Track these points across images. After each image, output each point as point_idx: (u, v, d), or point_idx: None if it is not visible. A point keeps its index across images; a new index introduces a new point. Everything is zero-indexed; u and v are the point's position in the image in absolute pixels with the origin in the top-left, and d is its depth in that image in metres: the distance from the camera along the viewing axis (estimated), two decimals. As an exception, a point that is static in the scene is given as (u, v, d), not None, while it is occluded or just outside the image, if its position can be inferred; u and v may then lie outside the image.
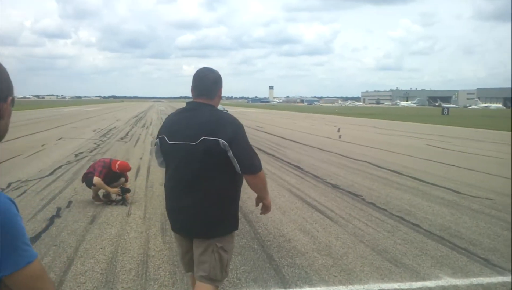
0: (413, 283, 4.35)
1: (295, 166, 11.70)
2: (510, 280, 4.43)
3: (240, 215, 3.10)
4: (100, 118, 37.48)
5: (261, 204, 3.06)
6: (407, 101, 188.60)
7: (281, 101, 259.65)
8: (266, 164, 10.85)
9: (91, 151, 14.18)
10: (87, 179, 7.35)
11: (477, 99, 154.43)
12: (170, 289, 4.16)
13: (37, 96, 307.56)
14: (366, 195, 8.17)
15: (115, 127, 26.09)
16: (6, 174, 9.51)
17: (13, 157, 12.15)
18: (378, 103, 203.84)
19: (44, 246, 5.20)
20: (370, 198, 7.89)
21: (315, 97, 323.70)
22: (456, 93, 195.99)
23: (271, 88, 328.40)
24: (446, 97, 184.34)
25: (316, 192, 8.41)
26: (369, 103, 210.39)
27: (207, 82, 2.84)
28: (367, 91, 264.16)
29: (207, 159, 2.68)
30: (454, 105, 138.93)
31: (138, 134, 21.68)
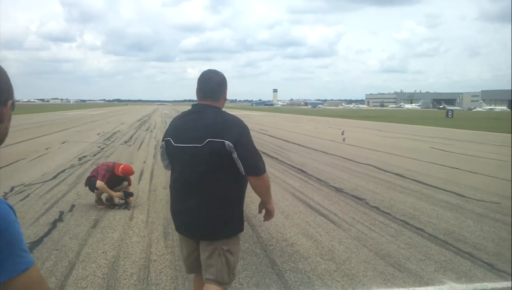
0: (417, 288, 4.32)
1: (298, 169, 11.67)
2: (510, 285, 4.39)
3: (243, 218, 3.09)
4: (104, 122, 37.58)
5: (264, 211, 3.04)
6: (411, 103, 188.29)
7: (285, 104, 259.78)
8: (270, 167, 10.82)
9: (95, 155, 14.20)
10: (90, 182, 7.35)
11: (481, 101, 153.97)
12: (171, 294, 4.14)
13: (42, 100, 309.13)
14: (369, 198, 8.13)
15: (119, 131, 26.15)
16: (10, 178, 9.53)
17: (16, 161, 12.18)
18: (382, 105, 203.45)
19: (46, 250, 5.20)
20: (373, 202, 7.85)
21: (319, 100, 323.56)
22: (461, 96, 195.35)
23: (275, 90, 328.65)
24: (450, 100, 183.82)
25: (319, 196, 8.38)
26: (373, 106, 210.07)
27: (212, 84, 2.86)
28: (371, 94, 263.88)
29: (213, 161, 2.70)
30: (458, 108, 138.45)
31: (142, 137, 21.70)
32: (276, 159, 13.68)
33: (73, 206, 7.35)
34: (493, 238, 5.90)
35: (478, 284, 4.42)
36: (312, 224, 6.47)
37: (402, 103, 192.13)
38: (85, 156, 13.74)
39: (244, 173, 2.72)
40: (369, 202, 7.83)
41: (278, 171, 11.27)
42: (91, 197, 7.53)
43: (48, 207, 7.23)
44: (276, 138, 22.22)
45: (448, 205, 7.74)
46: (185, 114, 2.94)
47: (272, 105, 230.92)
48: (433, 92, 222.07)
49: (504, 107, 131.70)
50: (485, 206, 7.67)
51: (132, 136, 22.51)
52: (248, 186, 2.90)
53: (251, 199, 3.02)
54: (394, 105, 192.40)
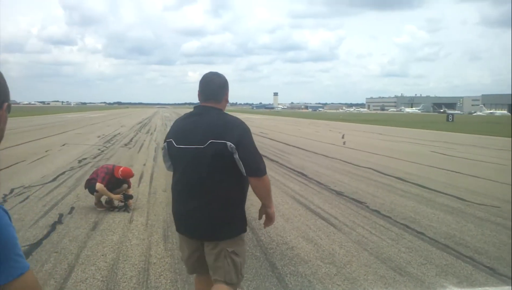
0: (418, 292, 4.30)
1: (299, 172, 11.65)
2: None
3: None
4: (105, 124, 37.58)
5: (264, 217, 3.02)
6: (412, 107, 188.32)
7: (285, 107, 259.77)
8: (270, 171, 10.77)
9: (95, 157, 14.19)
10: (89, 185, 7.34)
11: (482, 105, 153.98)
12: (171, 297, 4.12)
13: (43, 102, 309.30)
14: (370, 202, 8.11)
15: (119, 133, 26.14)
16: (9, 180, 9.52)
17: (16, 163, 12.17)
18: (382, 109, 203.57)
19: (45, 252, 5.17)
20: (374, 205, 7.83)
21: (319, 103, 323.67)
22: (461, 100, 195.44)
23: (275, 94, 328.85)
24: (451, 104, 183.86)
25: (320, 199, 8.35)
26: (374, 110, 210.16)
27: (213, 87, 2.88)
28: (371, 98, 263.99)
29: (215, 163, 2.71)
30: (459, 112, 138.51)
31: (142, 140, 21.70)
32: (277, 162, 13.67)
33: (72, 208, 7.33)
34: (494, 242, 5.87)
35: (479, 288, 4.40)
36: (313, 228, 6.44)
37: (403, 107, 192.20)
38: (85, 159, 13.73)
39: (245, 174, 2.73)
40: (369, 206, 7.81)
41: (279, 174, 11.25)
42: (91, 199, 7.51)
43: (48, 209, 7.21)
44: (276, 141, 22.22)
45: (449, 209, 7.72)
46: (187, 116, 2.95)
47: (272, 108, 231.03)
48: (433, 96, 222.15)
49: (504, 111, 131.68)
50: (486, 210, 7.64)
51: (132, 138, 22.51)
52: (249, 189, 2.89)
53: (251, 202, 3.01)
54: (395, 109, 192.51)
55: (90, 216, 6.86)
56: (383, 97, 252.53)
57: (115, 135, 24.40)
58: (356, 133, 30.92)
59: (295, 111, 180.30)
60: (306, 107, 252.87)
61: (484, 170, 12.84)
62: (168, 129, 3.11)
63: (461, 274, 4.75)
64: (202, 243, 2.90)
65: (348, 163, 13.77)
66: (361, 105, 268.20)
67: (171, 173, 3.04)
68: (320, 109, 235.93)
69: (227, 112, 2.91)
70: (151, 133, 26.98)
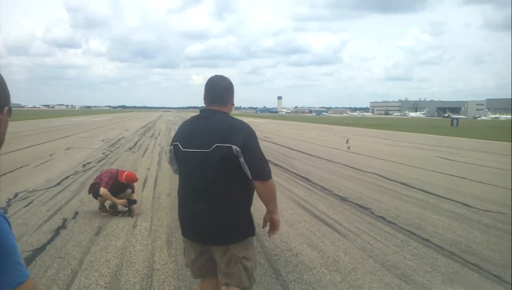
0: (424, 301, 4.25)
1: (303, 177, 11.61)
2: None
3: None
4: (109, 128, 37.66)
5: (268, 225, 2.99)
6: (416, 111, 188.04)
7: (289, 111, 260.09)
8: (274, 176, 10.69)
9: (99, 161, 14.20)
10: (93, 189, 7.33)
11: (487, 110, 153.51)
12: (174, 304, 4.09)
13: (47, 106, 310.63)
14: (375, 208, 8.06)
15: (123, 137, 26.18)
16: (13, 184, 9.53)
17: (21, 167, 12.18)
18: (387, 113, 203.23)
19: (48, 258, 5.16)
20: (379, 211, 7.78)
21: (323, 107, 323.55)
22: (466, 104, 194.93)
23: (279, 98, 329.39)
24: (455, 108, 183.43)
25: (324, 205, 8.31)
26: (378, 114, 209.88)
27: (219, 90, 2.89)
28: (375, 102, 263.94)
29: (221, 166, 2.71)
30: (463, 116, 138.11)
31: (146, 144, 21.68)
32: (281, 167, 13.63)
33: (76, 213, 7.32)
34: (500, 250, 5.81)
35: (486, 297, 4.35)
36: (317, 234, 6.40)
37: (407, 111, 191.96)
38: (89, 163, 13.74)
39: (250, 178, 2.73)
40: (374, 212, 7.76)
41: (282, 179, 11.22)
42: (95, 204, 7.50)
43: (52, 214, 7.21)
44: (280, 145, 22.18)
45: (454, 215, 7.66)
46: (193, 119, 2.96)
47: (276, 112, 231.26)
48: (437, 100, 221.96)
49: (509, 116, 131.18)
50: (491, 217, 7.58)
51: (136, 142, 22.51)
52: (254, 194, 2.89)
53: (256, 207, 2.98)
54: (399, 113, 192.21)
55: (94, 221, 6.85)
56: (387, 101, 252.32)
57: (119, 139, 24.43)
58: (360, 138, 30.85)
59: (299, 115, 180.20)
60: (310, 111, 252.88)
61: (489, 175, 12.76)
62: (172, 134, 3.10)
63: (467, 282, 4.70)
64: (208, 247, 2.89)
65: (353, 168, 13.72)
66: (365, 109, 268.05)
67: (176, 177, 3.04)
68: (324, 113, 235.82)
69: (232, 116, 2.91)
70: (155, 137, 26.99)
